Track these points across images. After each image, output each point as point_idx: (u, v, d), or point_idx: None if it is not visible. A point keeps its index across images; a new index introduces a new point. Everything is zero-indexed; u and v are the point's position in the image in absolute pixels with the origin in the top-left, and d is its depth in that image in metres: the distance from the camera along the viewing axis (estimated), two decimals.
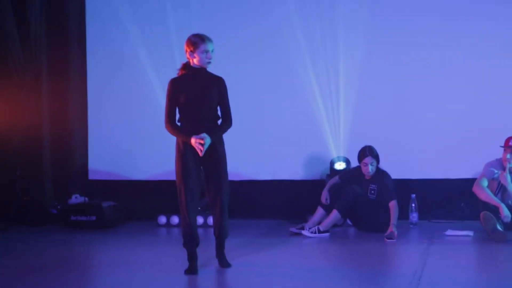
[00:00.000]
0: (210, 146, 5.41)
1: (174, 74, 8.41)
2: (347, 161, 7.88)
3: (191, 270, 5.40)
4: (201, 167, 5.49)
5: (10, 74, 8.35)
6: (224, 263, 5.57)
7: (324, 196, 7.29)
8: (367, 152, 7.17)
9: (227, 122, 5.52)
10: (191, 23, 8.32)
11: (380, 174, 7.24)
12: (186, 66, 5.50)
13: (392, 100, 8.08)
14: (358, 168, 7.34)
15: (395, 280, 5.17)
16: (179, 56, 8.26)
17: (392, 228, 6.81)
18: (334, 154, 8.10)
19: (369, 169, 7.15)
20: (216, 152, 5.46)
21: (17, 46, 8.32)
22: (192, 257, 5.46)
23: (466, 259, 6.04)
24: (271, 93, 8.27)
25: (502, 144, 6.92)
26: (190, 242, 5.45)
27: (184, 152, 5.41)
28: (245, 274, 5.42)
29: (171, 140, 8.17)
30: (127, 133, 8.54)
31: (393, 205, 6.99)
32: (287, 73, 8.23)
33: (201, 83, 5.42)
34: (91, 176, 8.64)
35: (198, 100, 5.40)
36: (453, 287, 4.90)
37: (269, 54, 8.27)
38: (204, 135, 5.34)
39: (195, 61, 5.44)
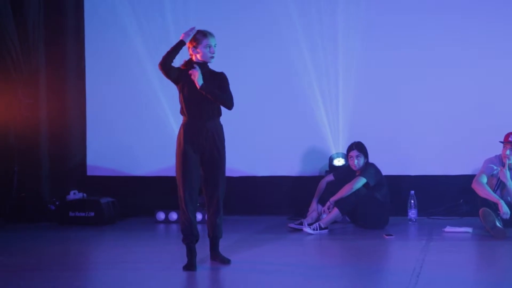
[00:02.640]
0: (211, 143, 5.44)
1: None
2: (345, 157, 7.87)
3: (190, 266, 5.39)
4: (201, 164, 5.49)
5: (8, 70, 8.32)
6: (223, 260, 5.55)
7: (312, 208, 7.31)
8: (353, 146, 7.30)
9: (228, 98, 5.49)
10: (189, 20, 8.29)
11: (369, 166, 7.28)
12: (189, 62, 5.52)
13: (391, 96, 8.06)
14: (349, 165, 7.38)
15: (394, 277, 5.17)
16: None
17: (328, 203, 7.06)
18: (333, 151, 8.09)
19: (355, 162, 7.23)
20: (218, 151, 5.48)
21: (15, 42, 8.29)
22: (191, 253, 5.44)
23: (465, 255, 6.04)
24: (270, 90, 8.25)
25: (502, 140, 6.91)
26: (189, 237, 5.44)
27: (185, 147, 5.41)
28: (244, 271, 5.41)
29: (170, 136, 8.20)
30: (126, 129, 8.51)
31: (354, 181, 7.10)
32: (286, 70, 8.21)
33: (203, 78, 5.44)
34: (90, 172, 8.61)
35: (200, 95, 5.41)
36: (452, 283, 4.89)
37: (268, 51, 8.24)
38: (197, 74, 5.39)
39: (198, 57, 5.48)
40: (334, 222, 7.24)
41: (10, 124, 8.34)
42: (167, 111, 8.35)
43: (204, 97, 5.42)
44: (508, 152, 6.83)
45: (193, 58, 5.49)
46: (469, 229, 6.87)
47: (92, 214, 7.84)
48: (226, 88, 5.52)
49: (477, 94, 7.89)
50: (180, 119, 5.59)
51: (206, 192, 5.52)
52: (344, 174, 7.39)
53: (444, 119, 7.93)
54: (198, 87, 5.38)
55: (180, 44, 5.40)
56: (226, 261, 5.55)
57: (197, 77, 5.38)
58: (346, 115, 8.13)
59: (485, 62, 7.87)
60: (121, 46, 8.48)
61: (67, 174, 8.54)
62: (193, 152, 5.41)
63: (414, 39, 7.98)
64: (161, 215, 8.00)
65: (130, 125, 8.50)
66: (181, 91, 5.48)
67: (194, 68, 5.43)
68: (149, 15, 8.44)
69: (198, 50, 5.45)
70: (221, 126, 5.56)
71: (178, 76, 5.45)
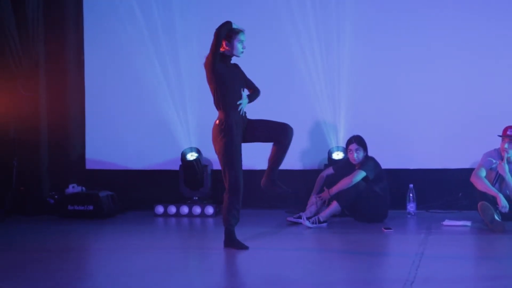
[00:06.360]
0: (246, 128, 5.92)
1: (172, 63, 8.43)
2: (344, 151, 7.87)
3: (242, 246, 5.90)
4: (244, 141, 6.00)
5: (7, 64, 8.31)
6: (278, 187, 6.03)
7: (311, 202, 7.32)
8: (353, 139, 7.31)
9: (257, 91, 6.12)
10: (188, 12, 8.30)
11: (369, 159, 7.29)
12: (221, 55, 5.83)
13: (390, 90, 8.07)
14: (349, 159, 7.39)
15: (393, 270, 5.18)
16: (177, 44, 8.27)
17: (325, 193, 7.17)
18: (332, 144, 8.09)
19: (354, 155, 7.24)
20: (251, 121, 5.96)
21: (14, 35, 8.28)
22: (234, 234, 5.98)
23: (464, 249, 6.04)
24: (270, 84, 8.21)
25: (500, 134, 6.92)
26: (235, 222, 5.97)
27: (234, 140, 5.83)
28: (241, 265, 5.41)
29: (169, 130, 8.21)
30: (125, 123, 8.51)
31: (353, 174, 7.11)
32: (286, 64, 8.22)
33: (233, 70, 5.97)
34: (89, 165, 8.62)
35: (238, 91, 5.88)
36: (451, 277, 4.90)
37: (268, 45, 8.24)
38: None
39: (228, 49, 5.84)
40: (333, 215, 7.25)
41: (10, 118, 8.34)
42: (166, 104, 8.34)
43: (239, 85, 5.91)
44: (506, 145, 6.83)
45: (223, 49, 5.82)
46: (468, 223, 6.88)
47: (91, 207, 7.85)
48: (248, 78, 6.07)
49: (476, 88, 7.89)
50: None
51: (271, 136, 6.03)
52: (343, 168, 7.40)
53: (443, 112, 7.94)
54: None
55: (227, 24, 5.73)
56: (282, 190, 6.12)
57: (244, 103, 5.94)
58: (345, 108, 8.13)
59: (483, 57, 7.87)
60: (120, 40, 8.48)
61: (66, 167, 8.55)
62: (239, 142, 5.91)
63: (415, 33, 7.98)
64: (159, 209, 8.01)
65: (129, 119, 8.50)
66: (220, 86, 5.80)
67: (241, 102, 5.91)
68: (148, 7, 8.43)
69: (231, 43, 5.79)
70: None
71: (217, 66, 5.77)
